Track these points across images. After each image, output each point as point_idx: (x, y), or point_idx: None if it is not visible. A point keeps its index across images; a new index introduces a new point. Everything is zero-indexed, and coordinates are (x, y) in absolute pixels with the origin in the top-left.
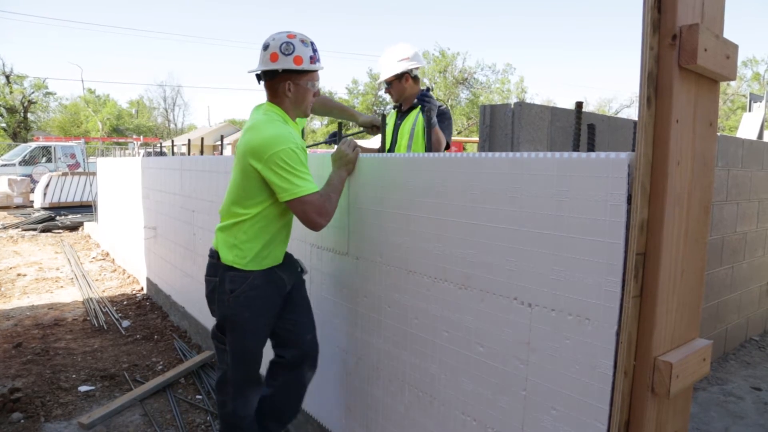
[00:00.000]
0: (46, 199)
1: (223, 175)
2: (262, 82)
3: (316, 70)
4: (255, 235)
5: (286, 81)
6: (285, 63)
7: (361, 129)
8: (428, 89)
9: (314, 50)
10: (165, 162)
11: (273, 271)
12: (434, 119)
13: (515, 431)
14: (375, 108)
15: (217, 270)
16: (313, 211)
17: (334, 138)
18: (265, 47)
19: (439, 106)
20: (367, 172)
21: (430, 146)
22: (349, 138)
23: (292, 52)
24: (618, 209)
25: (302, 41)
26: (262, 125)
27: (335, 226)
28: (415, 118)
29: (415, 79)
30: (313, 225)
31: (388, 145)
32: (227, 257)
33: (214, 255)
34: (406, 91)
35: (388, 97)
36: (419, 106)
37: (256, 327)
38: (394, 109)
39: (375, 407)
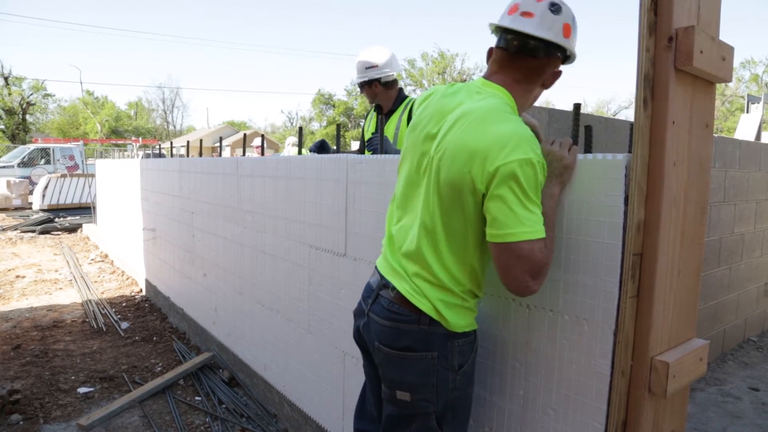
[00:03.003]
0: (44, 200)
1: (221, 177)
2: (496, 54)
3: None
4: (476, 278)
5: (555, 66)
6: (572, 44)
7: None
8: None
9: None
10: (164, 164)
11: None
12: None
13: (514, 431)
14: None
15: (429, 340)
16: (526, 269)
17: (322, 149)
18: (555, 8)
19: None
20: (365, 172)
21: None
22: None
23: (574, 33)
24: (615, 210)
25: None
26: (489, 115)
27: (333, 228)
28: (398, 121)
29: (387, 84)
30: (520, 289)
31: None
32: (456, 321)
33: (410, 318)
34: (378, 96)
35: None
36: (401, 108)
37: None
38: (374, 111)
39: None
